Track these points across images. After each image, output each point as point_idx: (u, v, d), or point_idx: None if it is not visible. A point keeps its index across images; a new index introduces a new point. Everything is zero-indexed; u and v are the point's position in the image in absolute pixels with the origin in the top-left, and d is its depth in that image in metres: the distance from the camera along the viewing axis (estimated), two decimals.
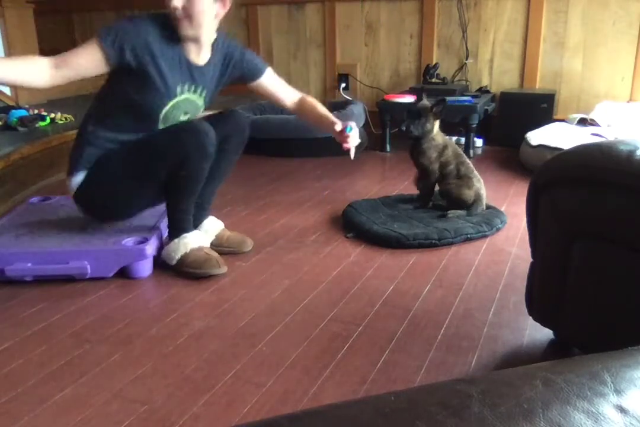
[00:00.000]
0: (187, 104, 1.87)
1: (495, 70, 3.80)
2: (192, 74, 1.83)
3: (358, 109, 3.54)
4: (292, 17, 4.22)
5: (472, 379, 0.49)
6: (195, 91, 1.87)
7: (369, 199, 2.56)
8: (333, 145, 3.50)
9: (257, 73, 1.99)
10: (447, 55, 3.88)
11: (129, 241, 1.90)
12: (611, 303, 1.22)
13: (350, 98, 4.03)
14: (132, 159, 1.86)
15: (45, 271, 1.84)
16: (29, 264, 1.82)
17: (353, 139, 1.89)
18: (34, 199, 2.36)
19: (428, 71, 3.74)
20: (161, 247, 2.02)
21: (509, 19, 3.66)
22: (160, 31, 1.74)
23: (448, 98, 3.40)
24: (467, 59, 3.81)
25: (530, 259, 1.44)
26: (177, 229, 1.93)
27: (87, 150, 1.87)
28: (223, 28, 1.87)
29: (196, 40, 1.78)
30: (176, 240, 1.91)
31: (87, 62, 1.69)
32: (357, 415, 0.45)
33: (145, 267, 1.90)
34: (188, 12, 1.69)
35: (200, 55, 1.84)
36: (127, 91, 1.79)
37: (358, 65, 4.13)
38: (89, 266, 1.83)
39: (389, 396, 0.46)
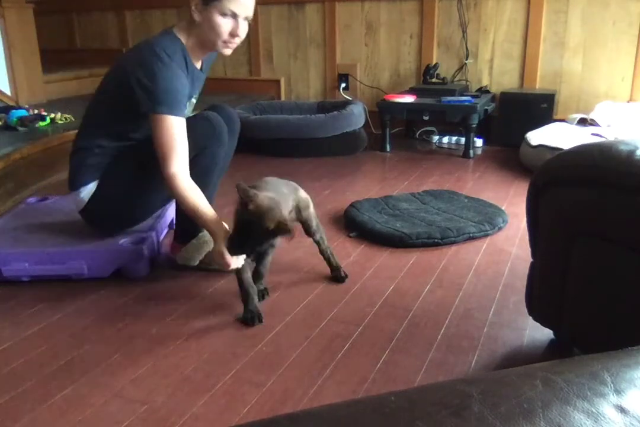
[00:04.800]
0: (189, 109, 1.90)
1: (495, 70, 3.80)
2: (194, 81, 1.85)
3: (358, 109, 3.54)
4: (292, 17, 4.22)
5: (472, 379, 0.49)
6: (195, 97, 1.92)
7: (370, 199, 2.55)
8: (333, 146, 3.52)
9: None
10: (447, 55, 3.88)
11: (125, 241, 1.90)
12: (611, 303, 1.21)
13: (350, 98, 4.03)
14: (148, 159, 1.79)
15: (42, 271, 1.84)
16: (26, 264, 1.82)
17: None
18: (31, 200, 2.36)
19: (428, 71, 3.74)
20: (159, 248, 2.02)
21: (509, 19, 3.66)
22: (179, 60, 1.74)
23: (448, 98, 3.45)
24: (467, 59, 3.81)
25: (530, 259, 1.44)
26: (191, 230, 1.92)
27: (95, 160, 1.84)
28: None
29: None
30: (194, 241, 1.91)
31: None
32: (357, 415, 0.45)
33: (142, 268, 1.90)
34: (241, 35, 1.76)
35: (199, 61, 1.88)
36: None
37: (358, 65, 4.13)
38: (85, 266, 1.83)
39: (389, 396, 0.46)
